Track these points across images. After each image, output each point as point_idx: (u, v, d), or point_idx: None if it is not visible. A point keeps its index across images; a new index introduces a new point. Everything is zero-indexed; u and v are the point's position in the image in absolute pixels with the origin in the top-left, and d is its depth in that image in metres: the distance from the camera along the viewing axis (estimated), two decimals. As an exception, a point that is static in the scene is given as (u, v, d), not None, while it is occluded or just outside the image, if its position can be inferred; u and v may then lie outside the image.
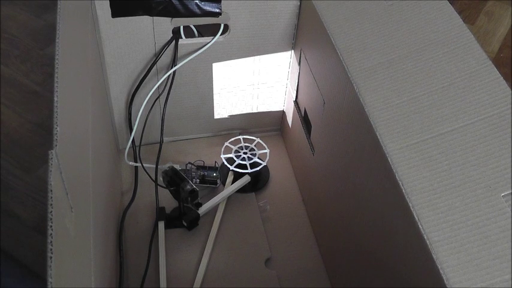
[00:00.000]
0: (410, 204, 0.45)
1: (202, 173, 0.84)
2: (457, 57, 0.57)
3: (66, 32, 0.51)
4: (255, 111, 0.92)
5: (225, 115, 0.91)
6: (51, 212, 0.36)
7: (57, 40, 0.48)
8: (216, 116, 0.91)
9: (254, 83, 0.87)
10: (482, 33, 1.25)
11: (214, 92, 0.86)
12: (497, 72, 0.55)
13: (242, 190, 0.85)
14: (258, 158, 0.85)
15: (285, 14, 0.76)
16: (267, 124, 0.95)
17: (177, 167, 0.82)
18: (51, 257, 0.33)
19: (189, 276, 0.74)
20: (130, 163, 0.84)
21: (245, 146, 0.87)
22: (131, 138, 0.82)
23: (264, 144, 0.87)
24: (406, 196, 0.46)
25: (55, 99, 0.43)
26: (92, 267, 0.48)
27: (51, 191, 0.37)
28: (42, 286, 0.71)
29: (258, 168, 0.83)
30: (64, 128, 0.43)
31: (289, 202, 0.85)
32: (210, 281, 0.74)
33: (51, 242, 0.34)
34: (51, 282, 0.32)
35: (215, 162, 0.87)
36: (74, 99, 0.52)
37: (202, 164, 0.87)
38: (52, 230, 0.35)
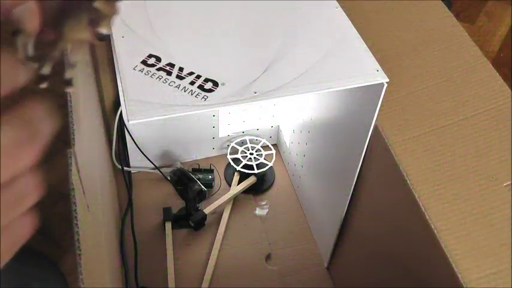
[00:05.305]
0: (416, 195, 0.46)
1: (197, 176, 0.84)
2: (452, 54, 0.58)
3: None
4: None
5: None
6: (75, 210, 0.36)
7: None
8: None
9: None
10: (482, 33, 1.25)
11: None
12: (492, 67, 0.57)
13: (247, 191, 0.84)
14: (264, 159, 0.84)
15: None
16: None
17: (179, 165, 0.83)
18: (79, 254, 0.34)
19: (196, 274, 0.75)
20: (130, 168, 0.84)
21: (251, 146, 0.86)
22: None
23: (270, 145, 0.87)
24: (411, 187, 0.47)
25: (68, 99, 0.44)
26: (106, 265, 0.49)
27: (73, 189, 0.37)
28: (42, 286, 0.70)
29: (265, 169, 0.83)
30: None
31: (289, 199, 0.86)
32: (214, 280, 0.74)
33: (78, 239, 0.34)
34: (81, 279, 0.33)
35: (210, 164, 0.88)
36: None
37: (198, 167, 0.86)
38: (78, 227, 0.35)
